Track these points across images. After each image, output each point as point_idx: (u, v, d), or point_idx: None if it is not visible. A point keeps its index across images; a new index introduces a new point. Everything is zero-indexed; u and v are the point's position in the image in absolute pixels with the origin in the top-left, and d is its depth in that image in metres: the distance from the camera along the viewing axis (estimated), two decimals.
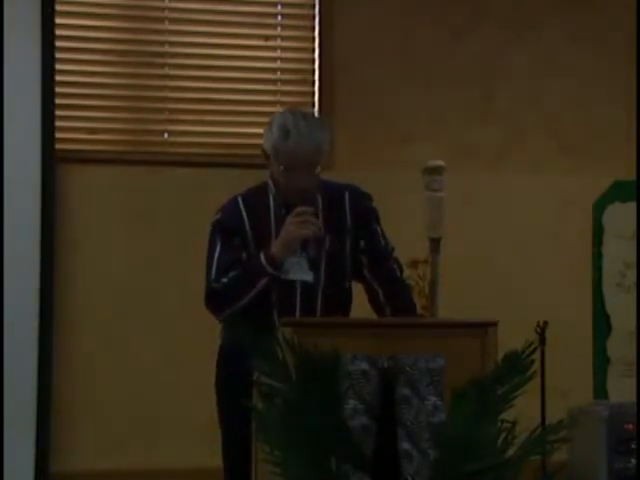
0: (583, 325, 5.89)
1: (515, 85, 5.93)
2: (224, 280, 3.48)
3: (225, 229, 3.57)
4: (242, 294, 3.47)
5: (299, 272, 3.49)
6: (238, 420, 3.33)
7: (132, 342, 5.44)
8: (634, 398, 5.10)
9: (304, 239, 3.47)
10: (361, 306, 3.71)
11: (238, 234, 3.55)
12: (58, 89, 5.37)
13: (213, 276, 3.52)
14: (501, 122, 5.89)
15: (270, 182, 3.63)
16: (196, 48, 5.70)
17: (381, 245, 3.68)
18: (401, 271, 3.70)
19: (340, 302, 3.61)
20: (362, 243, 3.64)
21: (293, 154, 3.47)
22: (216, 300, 3.53)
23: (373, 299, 3.66)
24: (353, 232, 3.63)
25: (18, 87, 5.21)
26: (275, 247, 3.46)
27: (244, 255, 3.53)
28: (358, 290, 3.71)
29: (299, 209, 3.47)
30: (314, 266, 3.52)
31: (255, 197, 3.63)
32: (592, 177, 5.93)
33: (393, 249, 3.71)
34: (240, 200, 3.62)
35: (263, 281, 3.46)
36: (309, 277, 3.51)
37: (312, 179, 3.54)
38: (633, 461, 5.15)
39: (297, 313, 3.50)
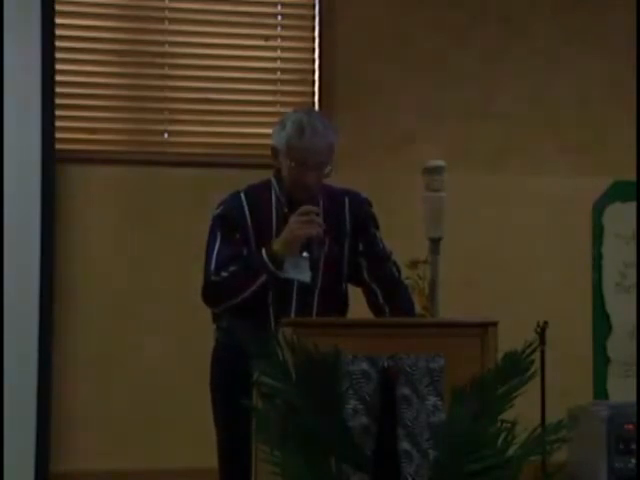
0: (583, 325, 5.89)
1: (515, 85, 5.94)
2: (224, 274, 3.48)
3: (227, 223, 3.57)
4: (241, 289, 3.47)
5: (299, 272, 3.49)
6: (234, 419, 3.33)
7: (132, 342, 5.44)
8: (634, 398, 5.11)
9: (307, 239, 3.47)
10: (361, 307, 3.71)
11: (239, 229, 3.55)
12: (58, 89, 5.37)
13: (212, 269, 3.51)
14: (501, 122, 5.89)
15: (273, 180, 3.63)
16: (196, 48, 5.70)
17: (379, 248, 3.69)
18: (399, 273, 3.71)
19: (336, 304, 3.61)
20: (361, 246, 3.65)
21: (307, 151, 3.49)
22: (214, 293, 3.53)
23: (372, 301, 3.66)
24: (352, 236, 3.63)
25: (18, 87, 5.21)
26: (277, 245, 3.46)
27: (244, 250, 3.53)
28: (357, 290, 3.71)
29: (304, 208, 3.47)
30: (314, 267, 3.52)
31: (257, 193, 3.64)
32: (592, 177, 5.93)
33: (391, 252, 3.72)
34: (243, 195, 3.62)
35: (262, 278, 3.46)
36: (308, 277, 3.51)
37: (321, 178, 3.55)
38: (633, 461, 5.15)
39: (292, 313, 3.50)
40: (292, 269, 3.48)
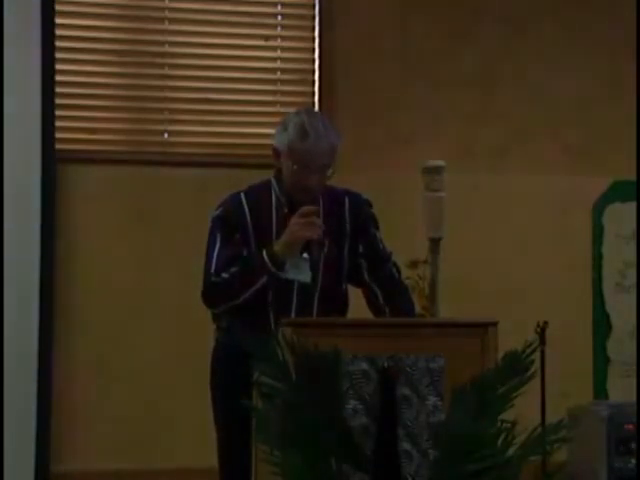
0: (583, 325, 5.89)
1: (515, 85, 5.93)
2: (224, 275, 3.49)
3: (227, 224, 3.57)
4: (241, 290, 3.48)
5: (299, 273, 3.49)
6: (234, 419, 3.33)
7: (132, 342, 5.44)
8: (634, 398, 5.11)
9: (307, 240, 3.47)
10: (361, 307, 3.71)
11: (239, 230, 3.55)
12: (58, 89, 5.37)
13: (213, 270, 3.52)
14: (501, 122, 5.89)
15: (273, 180, 3.63)
16: (196, 48, 5.70)
17: (380, 249, 3.69)
18: (399, 273, 3.71)
19: (336, 304, 3.61)
20: (361, 247, 3.65)
21: (310, 154, 3.48)
22: (214, 294, 3.53)
23: (372, 302, 3.66)
24: (352, 237, 3.63)
25: (18, 87, 5.21)
26: (277, 246, 3.47)
27: (244, 251, 3.53)
28: (357, 291, 3.71)
29: (304, 208, 3.47)
30: (314, 268, 3.52)
31: (257, 194, 3.64)
32: (592, 177, 5.93)
33: (391, 253, 3.72)
34: (243, 196, 3.62)
35: (263, 280, 3.46)
36: (308, 278, 3.51)
37: (323, 180, 3.55)
38: (633, 461, 5.15)
39: (293, 313, 3.50)
40: (292, 270, 3.48)
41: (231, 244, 3.54)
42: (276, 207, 3.60)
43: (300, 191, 3.53)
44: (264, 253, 3.46)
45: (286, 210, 3.56)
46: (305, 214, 3.46)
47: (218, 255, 3.53)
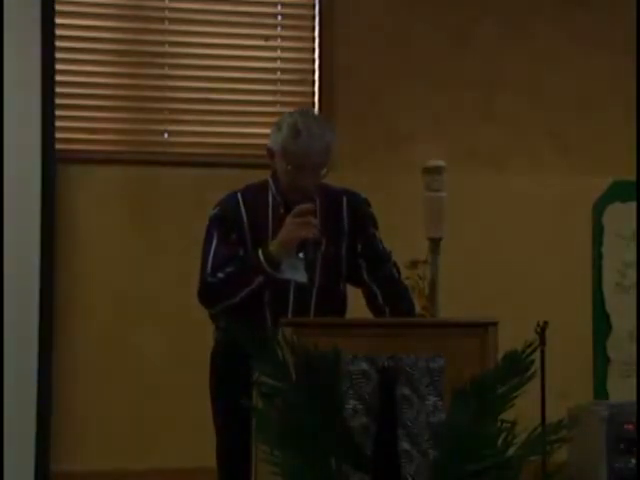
0: (583, 325, 5.89)
1: (515, 85, 5.94)
2: (220, 275, 3.49)
3: (223, 224, 3.58)
4: (237, 290, 3.48)
5: (295, 273, 3.49)
6: (234, 419, 3.33)
7: (132, 342, 5.44)
8: (634, 398, 5.10)
9: (303, 240, 3.47)
10: (361, 307, 3.71)
11: (236, 230, 3.56)
12: (58, 89, 5.37)
13: (209, 270, 3.52)
14: (501, 122, 5.89)
15: (270, 180, 3.64)
16: (196, 48, 5.70)
17: (379, 248, 3.70)
18: (399, 273, 3.71)
19: (334, 304, 3.61)
20: (359, 247, 3.65)
21: (303, 154, 3.49)
22: (210, 294, 3.54)
23: (372, 301, 3.66)
24: (350, 236, 3.63)
25: (18, 87, 5.21)
26: (273, 246, 3.47)
27: (241, 251, 3.53)
28: (357, 291, 3.71)
29: (300, 207, 3.47)
30: (310, 268, 3.52)
31: (254, 194, 3.64)
32: (592, 177, 5.93)
33: (391, 253, 3.72)
34: (240, 196, 3.63)
35: (259, 279, 3.46)
36: (304, 278, 3.51)
37: (317, 179, 3.56)
38: (633, 461, 5.15)
39: (290, 313, 3.50)
40: (289, 270, 3.48)
41: (227, 244, 3.54)
42: (272, 207, 3.61)
43: (295, 191, 3.53)
44: (259, 253, 3.47)
45: (282, 210, 3.57)
46: (300, 213, 3.47)
47: (214, 255, 3.53)
